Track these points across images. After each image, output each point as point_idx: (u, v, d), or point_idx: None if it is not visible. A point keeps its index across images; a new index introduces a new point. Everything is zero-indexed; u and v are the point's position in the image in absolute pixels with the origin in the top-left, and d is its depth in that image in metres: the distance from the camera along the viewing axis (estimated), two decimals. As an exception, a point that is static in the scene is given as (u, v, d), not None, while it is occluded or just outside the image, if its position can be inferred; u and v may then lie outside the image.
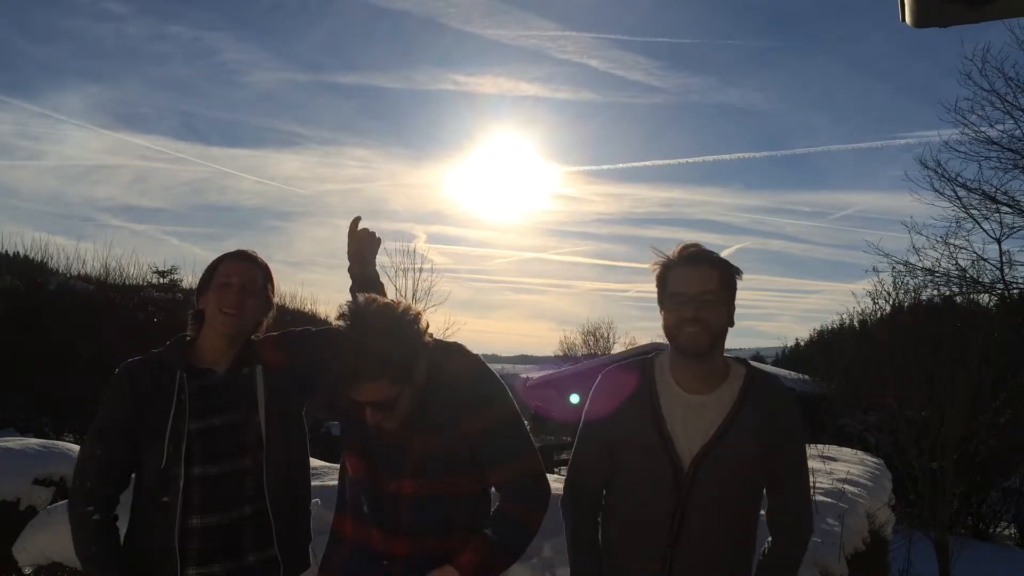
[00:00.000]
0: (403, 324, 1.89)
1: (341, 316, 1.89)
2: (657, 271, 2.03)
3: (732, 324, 2.00)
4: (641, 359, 2.10)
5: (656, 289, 2.04)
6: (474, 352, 2.09)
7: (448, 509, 1.99)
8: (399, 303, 1.95)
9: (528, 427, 2.18)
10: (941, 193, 16.40)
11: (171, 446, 2.11)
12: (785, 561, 2.04)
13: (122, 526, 2.20)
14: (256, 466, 2.17)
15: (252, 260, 2.29)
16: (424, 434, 1.97)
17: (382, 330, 1.84)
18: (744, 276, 2.02)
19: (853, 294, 23.45)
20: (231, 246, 2.36)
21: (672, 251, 2.03)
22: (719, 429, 1.93)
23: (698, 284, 1.93)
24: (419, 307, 1.99)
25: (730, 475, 1.93)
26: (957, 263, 16.13)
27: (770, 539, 2.08)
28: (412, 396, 1.92)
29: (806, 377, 17.75)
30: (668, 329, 1.97)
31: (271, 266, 2.36)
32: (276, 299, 2.40)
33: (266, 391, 2.22)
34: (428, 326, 1.96)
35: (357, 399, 1.89)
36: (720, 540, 1.97)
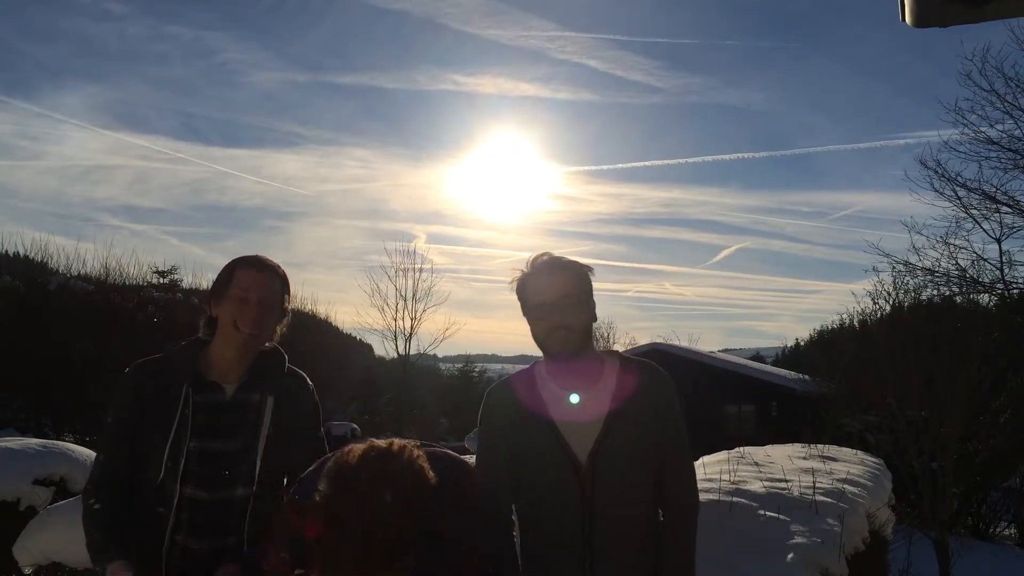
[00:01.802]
0: (407, 485, 1.49)
1: (330, 483, 1.50)
2: (515, 285, 2.14)
3: (596, 319, 2.14)
4: (521, 370, 2.22)
5: (519, 301, 2.15)
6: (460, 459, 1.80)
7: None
8: (391, 447, 1.55)
9: None
10: (941, 193, 16.42)
11: (169, 461, 2.07)
12: (683, 536, 2.10)
13: None
14: (244, 499, 2.12)
15: (271, 270, 2.20)
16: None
17: (384, 502, 1.44)
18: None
19: (853, 294, 23.50)
20: (231, 246, 2.34)
21: (527, 263, 2.15)
22: (606, 421, 2.04)
23: (556, 291, 2.06)
24: (411, 444, 1.60)
25: (627, 461, 2.03)
26: (957, 263, 16.15)
27: (662, 518, 2.15)
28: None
29: (806, 377, 17.74)
30: (537, 338, 2.10)
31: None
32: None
33: (271, 425, 2.14)
34: (424, 464, 1.55)
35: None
36: (632, 525, 2.05)
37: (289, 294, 2.29)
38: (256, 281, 2.15)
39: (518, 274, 2.14)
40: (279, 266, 2.26)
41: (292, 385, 2.27)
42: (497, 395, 2.15)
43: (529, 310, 2.10)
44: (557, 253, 2.16)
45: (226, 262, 2.27)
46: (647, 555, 2.07)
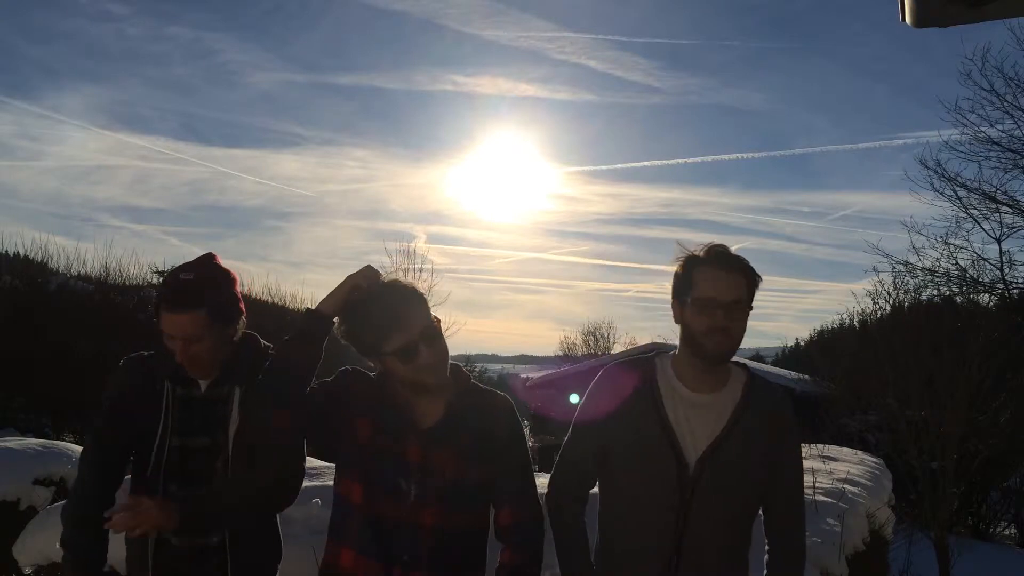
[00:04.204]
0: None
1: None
2: (681, 264, 1.97)
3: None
4: (641, 358, 2.07)
5: (674, 283, 1.98)
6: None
7: (467, 544, 1.96)
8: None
9: (527, 426, 2.18)
10: (941, 193, 16.43)
11: (154, 457, 2.10)
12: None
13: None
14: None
15: (191, 307, 2.08)
16: (459, 459, 1.93)
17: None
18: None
19: (853, 294, 23.34)
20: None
21: (699, 248, 1.98)
22: (725, 428, 1.93)
23: (731, 292, 1.89)
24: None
25: (735, 475, 1.92)
26: (957, 263, 16.17)
27: (768, 552, 2.08)
28: (443, 354, 1.96)
29: (806, 377, 17.73)
30: (693, 333, 1.92)
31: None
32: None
33: (240, 416, 2.14)
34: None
35: (406, 334, 1.89)
36: (723, 541, 1.97)
37: (229, 307, 2.19)
38: (175, 324, 2.08)
39: (685, 253, 1.98)
40: (206, 290, 2.12)
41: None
42: (612, 376, 2.06)
43: (692, 299, 1.91)
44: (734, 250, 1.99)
45: (224, 263, 2.26)
46: (733, 572, 2.01)
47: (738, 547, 2.02)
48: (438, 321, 1.98)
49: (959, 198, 16.29)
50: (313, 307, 1.96)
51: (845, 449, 6.49)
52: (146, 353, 2.25)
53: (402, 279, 2.01)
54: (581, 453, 2.07)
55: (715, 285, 1.90)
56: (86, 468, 2.16)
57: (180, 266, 2.19)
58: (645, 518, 1.97)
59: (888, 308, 11.86)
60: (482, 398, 2.04)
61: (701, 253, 1.96)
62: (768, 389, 2.04)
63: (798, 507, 2.07)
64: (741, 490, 1.96)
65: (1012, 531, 12.67)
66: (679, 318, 1.97)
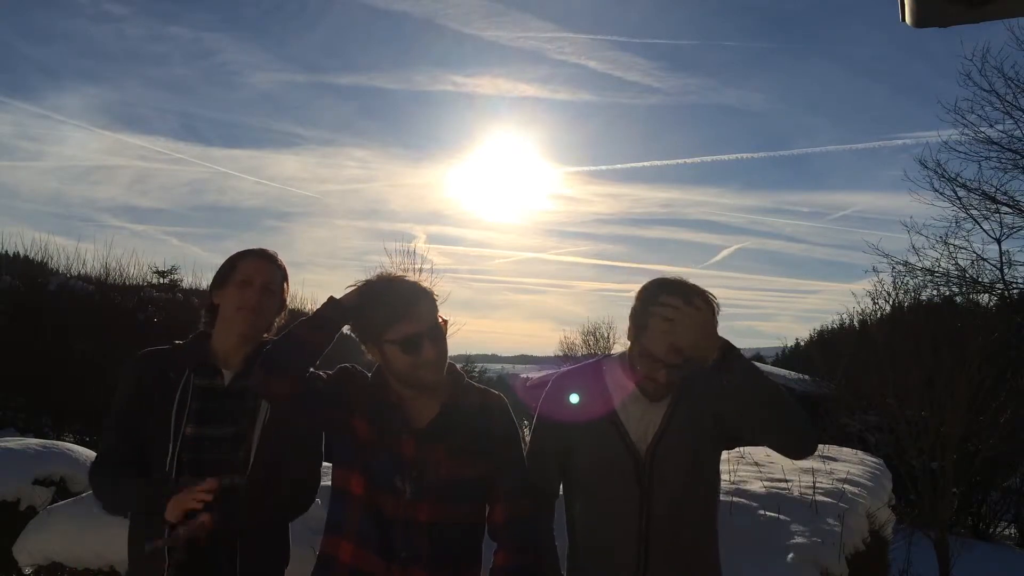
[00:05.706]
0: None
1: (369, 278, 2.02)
2: (638, 307, 2.00)
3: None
4: (591, 363, 2.19)
5: (633, 308, 2.01)
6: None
7: (463, 540, 1.98)
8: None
9: (527, 427, 2.20)
10: (941, 193, 16.42)
11: (168, 447, 2.08)
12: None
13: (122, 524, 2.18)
14: (241, 487, 2.11)
15: (272, 260, 2.28)
16: (456, 457, 1.95)
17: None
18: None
19: (853, 294, 23.39)
20: (231, 246, 2.36)
21: (659, 291, 1.96)
22: (667, 413, 2.02)
23: (680, 355, 1.94)
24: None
25: (686, 456, 2.01)
26: (957, 263, 16.17)
27: None
28: (444, 345, 1.98)
29: (806, 377, 17.75)
30: (635, 367, 2.00)
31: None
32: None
33: (269, 408, 2.15)
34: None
35: (414, 325, 1.91)
36: (689, 524, 2.02)
37: (288, 286, 2.33)
38: (258, 268, 2.23)
39: (644, 296, 1.98)
40: (279, 256, 2.32)
41: None
42: (565, 381, 2.16)
43: (640, 346, 1.97)
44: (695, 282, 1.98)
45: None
46: (705, 556, 2.05)
47: (705, 536, 2.06)
48: (445, 323, 2.00)
49: (959, 198, 16.30)
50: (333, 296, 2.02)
51: (845, 449, 6.48)
52: (162, 347, 2.26)
53: (418, 278, 2.05)
54: (545, 454, 2.12)
55: (665, 347, 1.92)
56: (103, 463, 2.15)
57: None
58: (609, 515, 2.02)
59: (888, 308, 11.89)
60: (477, 397, 2.07)
61: (661, 299, 1.93)
62: (699, 374, 2.09)
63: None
64: (694, 469, 2.02)
65: (1012, 531, 12.68)
66: (630, 341, 2.03)
